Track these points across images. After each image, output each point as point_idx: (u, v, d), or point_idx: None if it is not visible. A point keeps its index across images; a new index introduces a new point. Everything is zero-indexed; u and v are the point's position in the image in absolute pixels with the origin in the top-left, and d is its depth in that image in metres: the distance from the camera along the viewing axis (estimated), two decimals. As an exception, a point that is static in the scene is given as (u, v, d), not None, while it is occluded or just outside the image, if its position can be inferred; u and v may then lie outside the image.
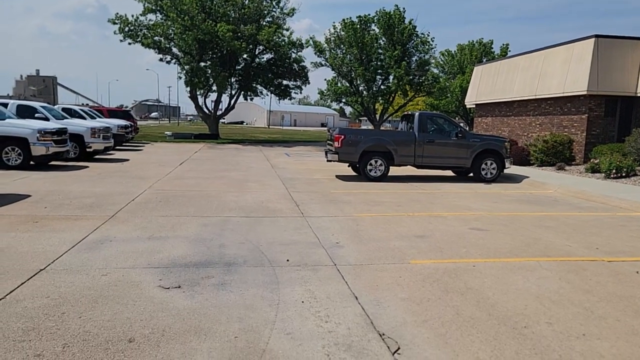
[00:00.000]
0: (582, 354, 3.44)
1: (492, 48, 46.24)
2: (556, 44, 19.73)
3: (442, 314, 4.06)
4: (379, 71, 38.76)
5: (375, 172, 13.22)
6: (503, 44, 46.64)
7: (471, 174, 14.07)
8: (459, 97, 42.42)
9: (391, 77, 38.38)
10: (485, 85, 24.97)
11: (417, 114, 13.79)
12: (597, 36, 17.34)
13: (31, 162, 12.95)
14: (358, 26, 37.19)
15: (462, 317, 4.01)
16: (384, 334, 3.65)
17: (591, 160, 15.66)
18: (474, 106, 27.24)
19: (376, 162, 13.22)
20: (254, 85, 36.13)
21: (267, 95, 39.15)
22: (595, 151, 16.38)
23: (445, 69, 50.69)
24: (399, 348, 3.45)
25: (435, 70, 46.22)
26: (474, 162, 13.60)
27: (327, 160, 13.89)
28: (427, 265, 5.47)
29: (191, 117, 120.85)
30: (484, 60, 41.65)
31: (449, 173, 15.32)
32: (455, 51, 49.59)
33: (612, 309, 4.31)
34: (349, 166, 14.66)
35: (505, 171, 14.20)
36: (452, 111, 49.07)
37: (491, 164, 13.66)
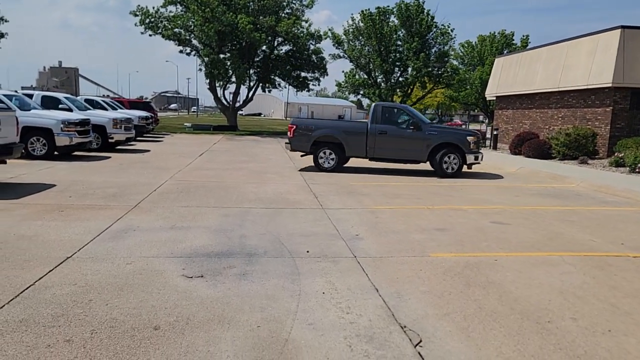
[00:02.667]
0: (609, 350, 3.40)
1: (514, 39, 45.43)
2: (580, 35, 19.32)
3: (464, 308, 4.05)
4: (397, 63, 38.45)
5: (327, 163, 13.24)
6: (523, 36, 45.71)
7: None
8: (479, 89, 41.83)
9: (409, 69, 38.09)
10: (506, 77, 24.60)
11: (373, 104, 13.77)
12: (623, 27, 16.93)
13: (55, 152, 13.20)
14: (377, 17, 36.90)
15: (484, 311, 3.99)
16: (405, 327, 3.66)
17: (615, 154, 15.35)
18: (494, 98, 26.88)
19: (326, 153, 13.24)
20: (273, 77, 36.22)
21: (285, 87, 39.20)
22: (620, 145, 16.04)
23: (465, 60, 50.01)
24: (420, 340, 3.45)
25: (455, 62, 45.64)
26: (430, 155, 12.92)
27: (291, 150, 13.93)
28: (447, 258, 5.44)
29: (209, 108, 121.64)
30: (505, 51, 40.97)
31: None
32: (475, 42, 48.88)
33: (639, 305, 4.24)
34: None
35: (519, 168, 13.99)
36: (471, 103, 48.49)
37: (454, 158, 12.83)
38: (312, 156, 13.46)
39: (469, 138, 12.96)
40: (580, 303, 4.24)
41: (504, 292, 4.43)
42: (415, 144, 12.97)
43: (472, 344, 3.42)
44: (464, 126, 45.12)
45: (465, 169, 13.09)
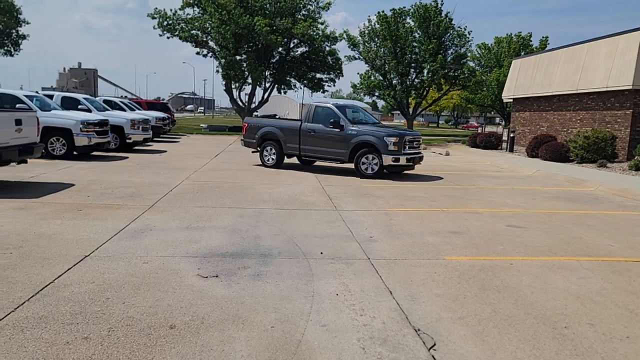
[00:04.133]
0: (626, 357, 3.35)
1: (531, 41, 44.92)
2: (599, 36, 19.03)
3: (478, 312, 4.02)
4: (413, 64, 38.27)
5: (269, 161, 13.92)
6: (542, 37, 45.25)
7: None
8: (496, 91, 41.44)
9: (425, 71, 37.87)
10: (524, 79, 24.34)
11: (309, 103, 14.07)
12: (644, 28, 16.62)
13: (74, 152, 13.42)
14: (393, 19, 36.78)
15: (499, 315, 3.96)
16: (419, 330, 3.65)
17: (635, 158, 15.08)
18: (511, 100, 26.60)
19: (268, 150, 13.92)
20: (288, 78, 36.36)
21: (301, 88, 39.26)
22: (640, 148, 15.75)
23: (482, 62, 49.60)
24: (434, 344, 3.43)
25: (471, 64, 45.28)
26: (351, 155, 12.50)
27: (243, 146, 14.92)
28: (462, 261, 5.41)
29: (224, 109, 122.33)
30: (522, 53, 40.54)
31: (483, 169, 15.04)
32: (492, 44, 48.44)
33: (658, 311, 4.17)
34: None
35: (536, 171, 13.79)
36: (487, 105, 48.07)
37: (373, 158, 12.31)
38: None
39: (389, 138, 12.12)
40: (597, 308, 4.18)
41: (519, 297, 4.39)
42: (339, 144, 12.74)
43: (486, 348, 3.40)
44: (479, 129, 44.69)
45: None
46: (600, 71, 18.34)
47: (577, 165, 16.73)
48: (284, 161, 14.09)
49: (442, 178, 12.92)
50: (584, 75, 19.24)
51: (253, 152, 14.68)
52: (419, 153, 13.06)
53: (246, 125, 14.72)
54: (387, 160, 12.12)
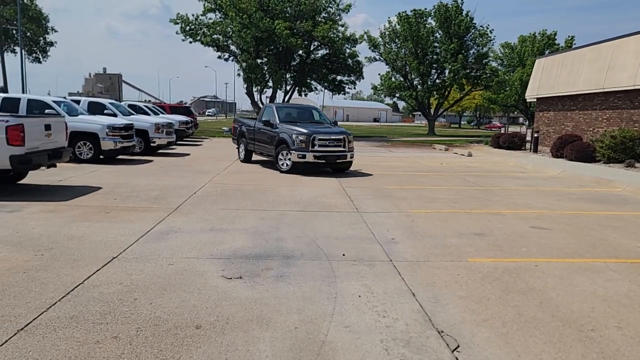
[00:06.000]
0: (655, 361, 3.29)
1: (556, 40, 44.16)
2: (626, 34, 18.60)
3: (502, 314, 3.99)
4: (434, 65, 38.05)
5: (240, 155, 15.99)
6: (568, 36, 44.55)
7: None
8: (519, 90, 40.85)
9: (447, 71, 37.60)
10: (548, 78, 23.94)
11: (266, 104, 15.69)
12: (673, 24, 16.20)
13: (100, 156, 13.73)
14: (413, 20, 36.61)
15: (524, 318, 3.92)
16: (442, 331, 3.64)
17: (665, 157, 14.68)
18: (535, 100, 26.18)
19: (241, 146, 15.89)
20: (309, 80, 36.51)
21: (322, 90, 39.39)
22: (670, 147, 15.34)
23: (504, 61, 48.96)
24: (458, 346, 3.43)
25: (494, 64, 44.72)
26: (276, 151, 13.22)
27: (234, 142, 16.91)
28: (485, 263, 5.37)
29: (246, 112, 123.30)
30: (547, 52, 39.86)
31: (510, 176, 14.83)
32: (515, 43, 47.80)
33: (688, 315, 4.08)
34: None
35: (561, 171, 13.52)
36: (510, 105, 47.41)
37: (287, 154, 12.83)
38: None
39: (297, 136, 12.56)
40: (625, 311, 4.11)
41: (544, 299, 4.34)
42: (270, 141, 13.71)
43: (511, 350, 3.38)
44: (502, 129, 44.08)
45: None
46: (627, 69, 17.93)
47: (603, 166, 16.38)
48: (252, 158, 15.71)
49: (464, 179, 12.81)
50: (611, 73, 18.84)
51: (237, 148, 16.59)
52: (336, 152, 12.93)
53: (233, 124, 17.21)
54: (294, 156, 12.66)
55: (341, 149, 13.02)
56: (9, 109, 12.95)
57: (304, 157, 12.53)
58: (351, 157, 13.36)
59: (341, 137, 13.03)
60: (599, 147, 17.30)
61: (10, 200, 7.95)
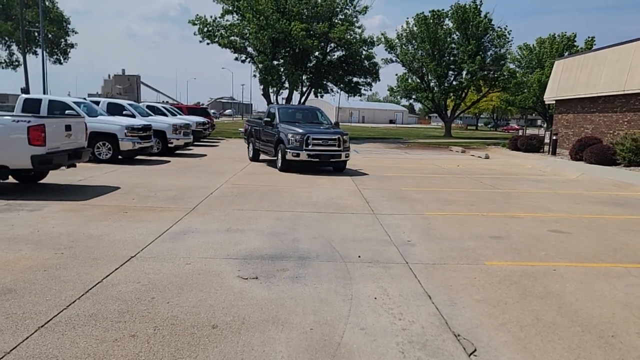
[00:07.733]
0: (678, 369, 3.21)
1: (575, 41, 43.52)
2: (649, 34, 18.24)
3: (520, 318, 3.94)
4: (452, 66, 37.79)
5: (249, 154, 16.71)
6: (588, 37, 43.76)
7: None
8: (537, 92, 40.35)
9: (464, 73, 37.32)
10: (567, 80, 23.59)
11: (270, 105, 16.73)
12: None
13: (119, 157, 13.92)
14: (431, 21, 36.42)
15: (542, 322, 3.87)
16: (459, 335, 3.61)
17: (688, 161, 14.37)
18: (554, 102, 25.82)
19: (249, 146, 16.67)
20: (325, 82, 36.53)
21: (337, 92, 39.38)
22: (693, 151, 15.00)
23: (522, 63, 48.40)
24: (475, 350, 3.40)
25: (512, 65, 44.26)
26: (275, 149, 13.84)
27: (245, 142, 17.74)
28: (503, 267, 5.31)
29: (262, 113, 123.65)
30: (566, 53, 39.29)
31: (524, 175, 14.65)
32: (533, 45, 47.23)
33: None
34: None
35: (580, 174, 13.30)
36: (528, 107, 46.85)
37: (283, 153, 13.34)
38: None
39: (293, 136, 13.05)
40: (647, 318, 4.03)
41: (563, 304, 4.28)
42: (271, 139, 14.27)
43: (528, 355, 3.34)
44: (520, 131, 43.54)
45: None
46: (649, 70, 17.58)
47: (624, 169, 16.09)
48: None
49: (481, 182, 12.69)
50: (632, 75, 18.49)
51: (248, 147, 17.19)
52: (330, 151, 13.23)
53: (245, 125, 18.19)
54: (289, 154, 13.04)
55: (335, 148, 13.32)
56: (30, 109, 13.22)
57: (298, 155, 12.98)
58: (346, 157, 13.69)
59: (335, 137, 13.30)
60: (620, 150, 17.00)
61: (31, 199, 8.10)
